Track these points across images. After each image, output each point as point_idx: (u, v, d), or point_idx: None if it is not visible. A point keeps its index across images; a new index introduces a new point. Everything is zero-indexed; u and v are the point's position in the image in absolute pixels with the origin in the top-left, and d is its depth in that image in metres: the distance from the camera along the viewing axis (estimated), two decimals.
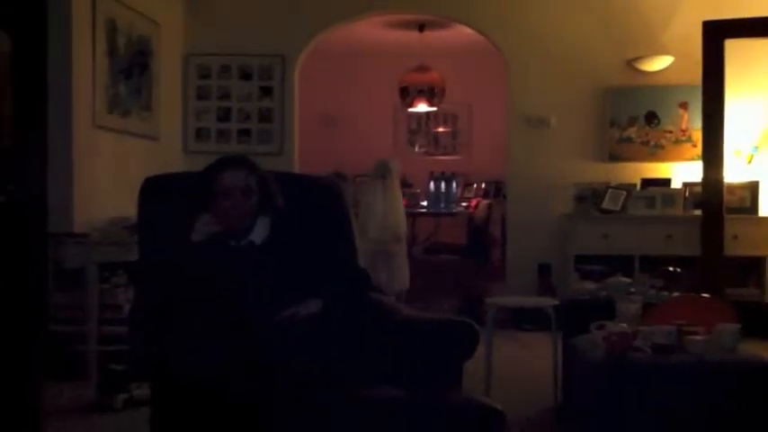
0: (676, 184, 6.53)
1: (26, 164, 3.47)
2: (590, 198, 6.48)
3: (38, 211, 3.22)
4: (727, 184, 5.81)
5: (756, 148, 6.43)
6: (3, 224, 3.19)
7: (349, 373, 2.50)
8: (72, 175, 4.98)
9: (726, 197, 5.66)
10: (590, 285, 4.34)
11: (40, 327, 2.91)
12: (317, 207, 3.01)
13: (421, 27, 8.30)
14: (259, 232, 2.74)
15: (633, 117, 6.65)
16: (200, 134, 6.85)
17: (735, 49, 5.51)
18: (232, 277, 2.61)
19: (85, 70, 5.16)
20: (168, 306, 2.52)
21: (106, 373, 4.22)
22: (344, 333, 2.62)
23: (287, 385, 2.36)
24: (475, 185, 9.32)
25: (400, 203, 6.64)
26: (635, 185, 6.53)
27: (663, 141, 6.63)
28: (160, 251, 2.75)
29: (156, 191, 2.93)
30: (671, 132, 6.63)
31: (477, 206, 8.59)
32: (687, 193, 6.38)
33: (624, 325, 3.17)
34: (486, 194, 8.88)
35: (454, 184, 9.04)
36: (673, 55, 6.54)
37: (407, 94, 8.52)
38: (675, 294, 3.96)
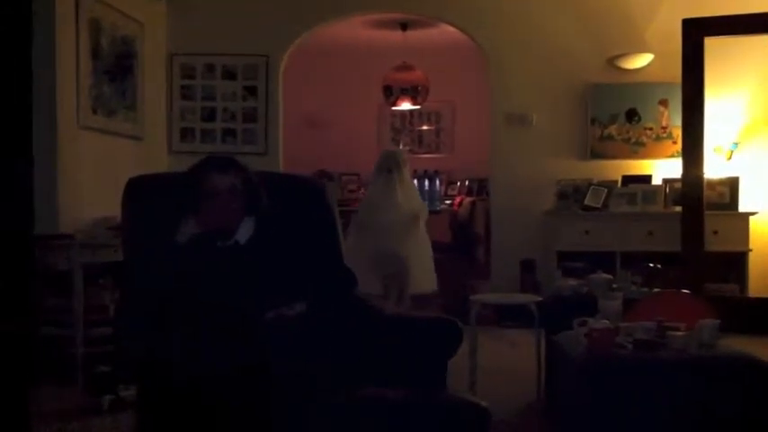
0: (657, 180, 6.59)
1: (10, 165, 3.46)
2: (572, 195, 6.53)
3: (23, 213, 3.23)
4: (707, 180, 5.88)
5: (736, 144, 6.49)
6: None
7: (334, 372, 2.52)
8: (57, 176, 4.98)
9: (706, 193, 5.73)
10: (572, 282, 4.38)
11: (30, 331, 2.92)
12: (303, 207, 3.02)
13: (404, 26, 8.32)
14: (244, 232, 2.74)
15: (614, 114, 6.70)
16: (185, 134, 6.85)
17: (714, 46, 5.58)
18: (217, 278, 2.62)
19: (69, 71, 5.16)
20: (155, 308, 2.53)
21: (93, 374, 4.23)
22: (330, 333, 2.64)
23: (277, 387, 2.37)
24: (458, 183, 9.36)
25: (414, 193, 6.22)
26: (616, 182, 6.59)
27: (643, 138, 6.69)
28: (145, 252, 2.76)
29: (140, 191, 2.93)
30: (651, 129, 6.69)
31: (460, 204, 8.63)
32: (668, 190, 6.44)
33: (606, 321, 3.20)
34: (469, 192, 8.91)
35: (438, 182, 9.09)
36: (653, 52, 6.60)
37: (391, 93, 8.55)
38: (656, 290, 4.00)
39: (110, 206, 4.52)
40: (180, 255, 2.65)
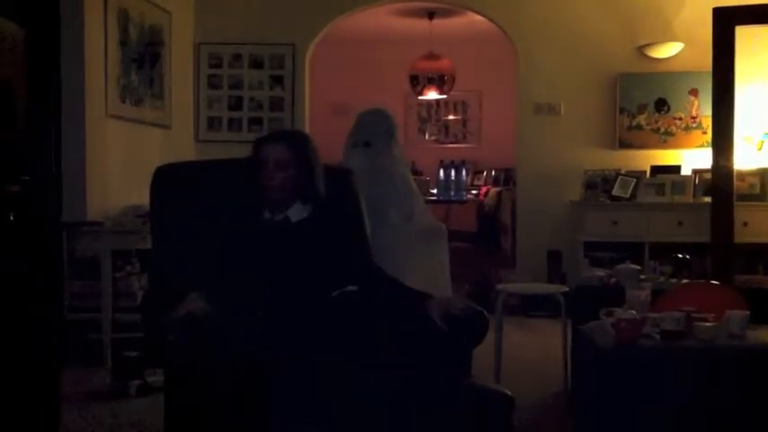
0: (686, 170, 6.53)
1: (40, 153, 3.50)
2: (599, 185, 6.50)
3: (52, 201, 3.26)
4: (737, 170, 5.80)
5: (767, 134, 6.41)
6: (17, 213, 3.23)
7: (359, 357, 2.52)
8: (85, 164, 5.02)
9: (736, 184, 5.65)
10: (600, 272, 4.36)
11: (56, 315, 2.95)
12: (334, 195, 3.01)
13: (431, 15, 8.30)
14: (296, 212, 2.77)
15: (643, 104, 6.64)
16: (212, 123, 6.88)
17: (745, 35, 5.50)
18: (265, 251, 2.65)
19: (98, 60, 5.19)
20: (182, 295, 2.54)
21: (120, 359, 4.28)
22: (362, 318, 2.65)
23: (300, 368, 2.37)
24: (485, 173, 9.33)
25: (417, 193, 4.21)
26: (645, 172, 6.54)
27: (673, 128, 6.63)
28: (173, 239, 2.78)
29: (168, 179, 2.95)
30: (681, 119, 6.62)
31: (486, 193, 8.60)
32: (697, 180, 6.38)
33: (633, 312, 3.17)
34: (495, 182, 8.89)
35: (464, 172, 9.07)
36: (683, 41, 6.53)
37: (418, 83, 8.53)
38: (685, 281, 3.96)
39: (137, 194, 4.56)
40: (218, 238, 2.67)
